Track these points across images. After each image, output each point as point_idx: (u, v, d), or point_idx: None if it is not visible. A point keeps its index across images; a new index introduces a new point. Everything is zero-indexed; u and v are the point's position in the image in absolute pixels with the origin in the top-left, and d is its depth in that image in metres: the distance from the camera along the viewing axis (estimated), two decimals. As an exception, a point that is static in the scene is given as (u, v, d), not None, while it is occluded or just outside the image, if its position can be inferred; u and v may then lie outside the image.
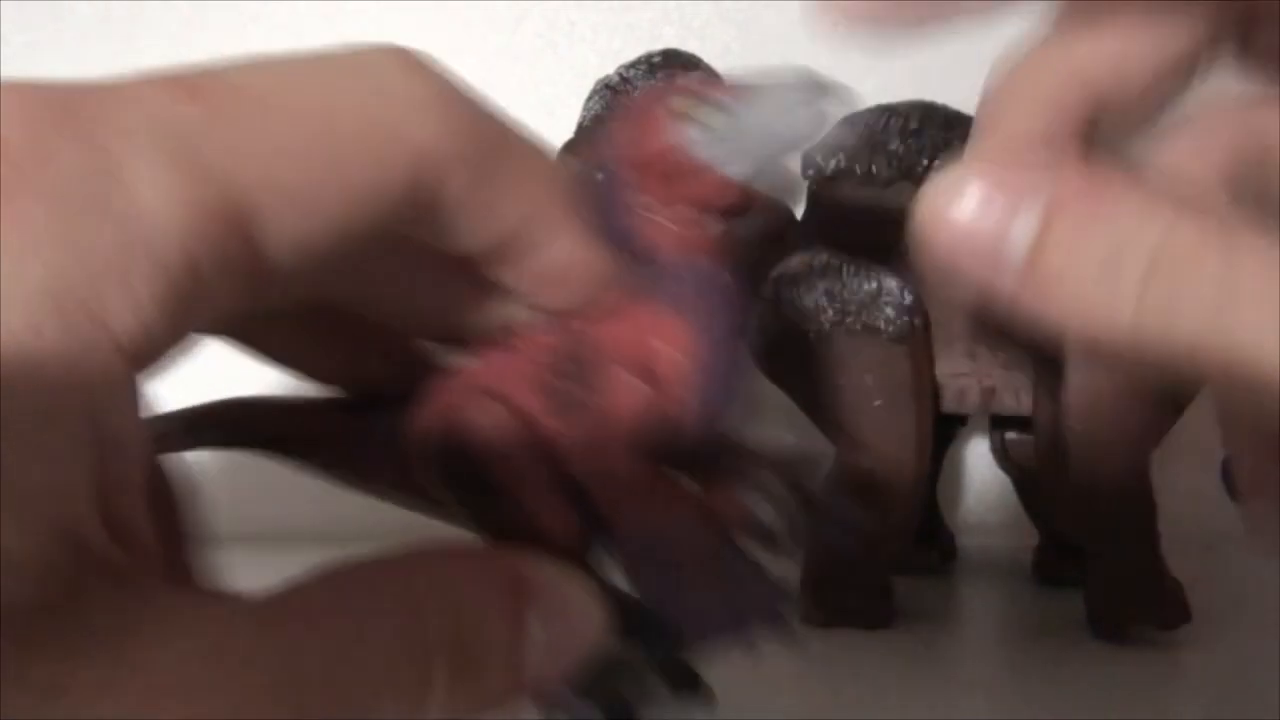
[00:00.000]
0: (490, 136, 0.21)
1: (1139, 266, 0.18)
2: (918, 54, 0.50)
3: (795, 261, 0.37)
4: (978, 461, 0.48)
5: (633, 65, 0.40)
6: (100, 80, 0.17)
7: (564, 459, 0.23)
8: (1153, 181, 0.19)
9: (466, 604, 0.20)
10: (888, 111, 0.38)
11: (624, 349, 0.23)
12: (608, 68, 0.40)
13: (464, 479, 0.24)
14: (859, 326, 0.35)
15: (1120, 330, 0.19)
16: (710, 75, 0.38)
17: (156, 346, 0.17)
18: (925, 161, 0.37)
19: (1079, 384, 0.34)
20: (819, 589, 0.37)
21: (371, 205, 0.19)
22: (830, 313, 0.35)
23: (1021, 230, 0.19)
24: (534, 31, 0.48)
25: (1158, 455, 0.36)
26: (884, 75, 0.47)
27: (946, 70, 0.48)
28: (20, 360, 0.15)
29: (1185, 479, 0.47)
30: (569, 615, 0.22)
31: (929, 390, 0.36)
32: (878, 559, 0.36)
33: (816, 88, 0.23)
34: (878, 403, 0.35)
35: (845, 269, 0.36)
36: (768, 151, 0.23)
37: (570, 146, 0.40)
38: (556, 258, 0.23)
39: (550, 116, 0.47)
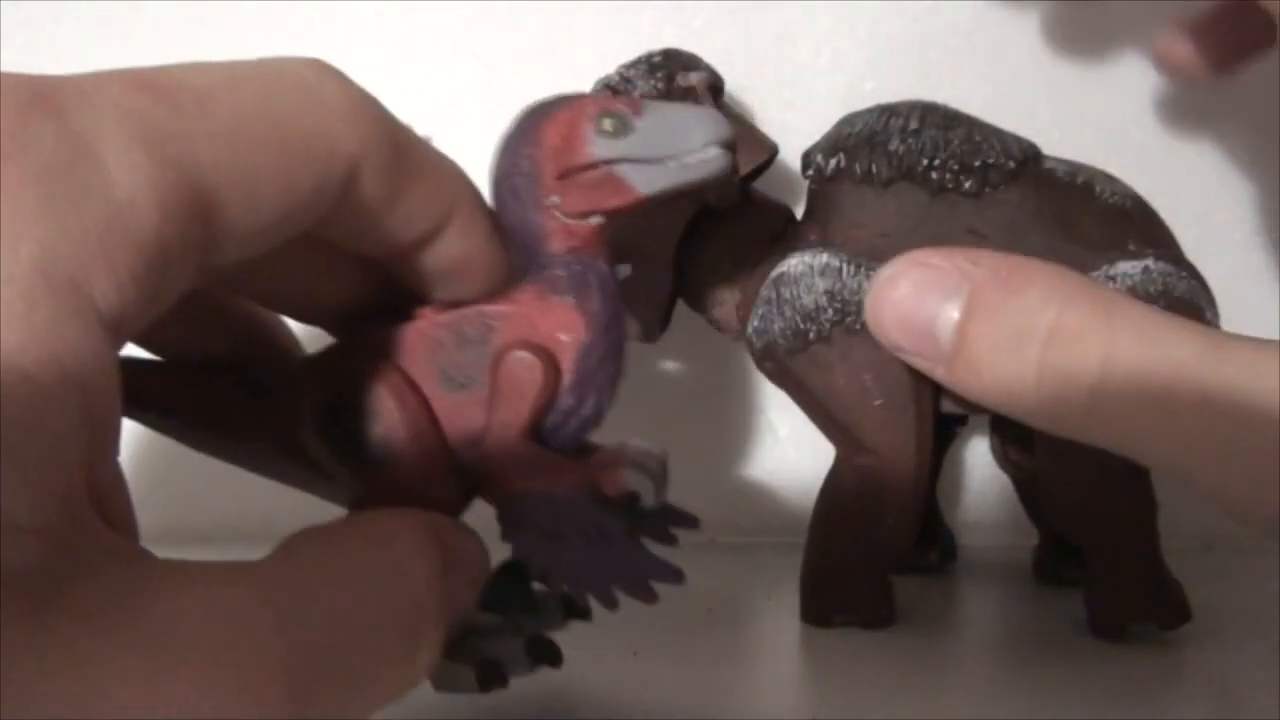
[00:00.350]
0: (403, 144, 0.22)
1: (1037, 342, 0.20)
2: (917, 54, 0.50)
3: (795, 261, 0.37)
4: (978, 461, 0.48)
5: (633, 65, 0.40)
6: (62, 75, 0.18)
7: (452, 431, 0.25)
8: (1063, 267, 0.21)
9: (436, 560, 0.22)
10: (887, 111, 0.38)
11: (518, 332, 0.25)
12: (608, 68, 0.40)
13: (353, 444, 0.25)
14: (859, 326, 0.35)
15: (1027, 399, 0.20)
16: (710, 75, 0.38)
17: (133, 323, 0.18)
18: (925, 161, 0.37)
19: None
20: (819, 588, 0.37)
21: (310, 204, 0.21)
22: (830, 312, 0.35)
23: (948, 315, 0.21)
24: (534, 31, 0.48)
25: (1158, 455, 0.36)
26: (884, 75, 0.47)
27: (946, 70, 0.48)
28: (18, 335, 0.16)
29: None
30: (468, 567, 0.24)
31: (929, 390, 0.36)
32: (878, 559, 0.36)
33: (723, 129, 0.25)
34: (878, 402, 0.35)
35: (845, 268, 0.36)
36: (674, 178, 0.25)
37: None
38: (458, 254, 0.24)
39: (550, 116, 0.48)
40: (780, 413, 0.47)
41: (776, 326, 0.36)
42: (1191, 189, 0.48)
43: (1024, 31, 0.48)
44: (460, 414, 0.25)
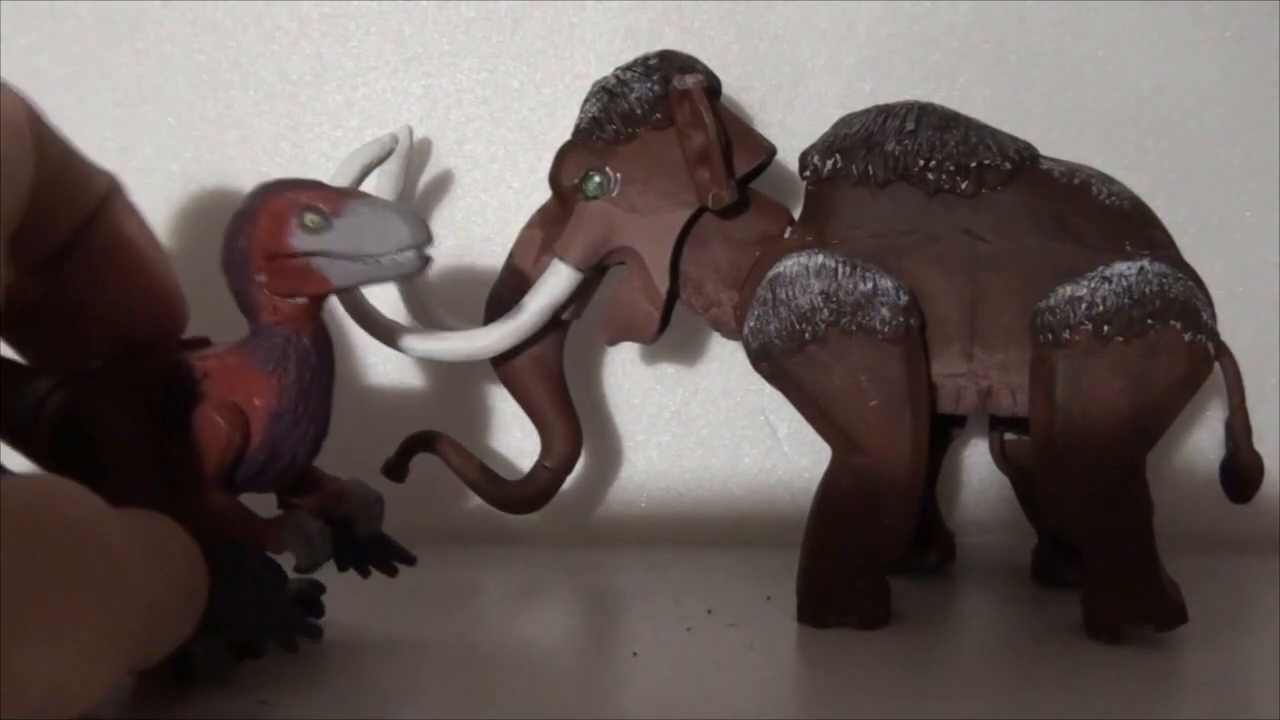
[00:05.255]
0: None
1: None
2: (916, 54, 0.50)
3: (791, 262, 0.37)
4: (977, 461, 0.48)
5: (629, 67, 0.40)
6: None
7: (165, 463, 0.29)
8: None
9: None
10: (884, 112, 0.38)
11: (219, 390, 0.29)
12: (607, 69, 0.40)
13: (74, 457, 0.29)
14: (854, 327, 0.35)
15: None
16: (706, 77, 0.38)
17: None
18: (921, 162, 0.37)
19: (1075, 384, 0.34)
20: (818, 589, 0.37)
21: None
22: (826, 313, 0.35)
23: None
24: (534, 32, 0.48)
25: (1157, 455, 0.36)
26: (882, 75, 0.48)
27: (945, 70, 0.48)
28: None
29: (1185, 479, 0.47)
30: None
31: (925, 391, 0.36)
32: (874, 559, 0.36)
33: (420, 233, 0.29)
34: (873, 403, 0.35)
35: (841, 269, 0.36)
36: (367, 274, 0.29)
37: (569, 148, 0.40)
38: None
39: (550, 117, 0.48)
40: (779, 413, 0.47)
41: (772, 327, 0.36)
42: (1191, 189, 0.48)
43: (1024, 31, 0.48)
44: (172, 450, 0.29)
